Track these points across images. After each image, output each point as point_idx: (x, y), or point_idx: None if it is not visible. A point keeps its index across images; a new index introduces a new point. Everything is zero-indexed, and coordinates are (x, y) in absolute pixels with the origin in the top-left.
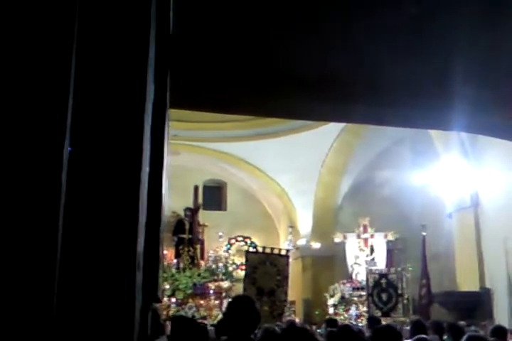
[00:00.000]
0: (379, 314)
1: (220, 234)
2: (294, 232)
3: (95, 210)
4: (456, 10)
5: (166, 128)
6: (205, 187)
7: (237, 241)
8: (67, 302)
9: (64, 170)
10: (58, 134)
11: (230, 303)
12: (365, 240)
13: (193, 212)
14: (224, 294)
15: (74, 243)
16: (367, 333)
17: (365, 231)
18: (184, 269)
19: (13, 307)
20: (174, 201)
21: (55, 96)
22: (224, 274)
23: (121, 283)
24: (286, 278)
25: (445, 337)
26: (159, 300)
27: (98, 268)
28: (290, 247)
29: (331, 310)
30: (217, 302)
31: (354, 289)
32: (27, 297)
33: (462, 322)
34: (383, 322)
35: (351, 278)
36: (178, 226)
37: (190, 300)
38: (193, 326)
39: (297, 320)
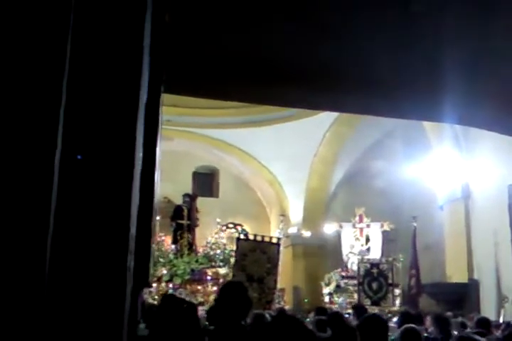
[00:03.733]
0: (369, 303)
1: (218, 220)
2: (285, 220)
3: (89, 195)
4: (446, 2)
5: (160, 114)
6: (197, 174)
7: (228, 228)
8: (59, 285)
9: (57, 156)
10: (52, 120)
11: (221, 289)
12: (361, 229)
13: (191, 198)
14: (221, 280)
15: (68, 227)
16: (353, 321)
17: (360, 220)
18: (182, 255)
19: (6, 288)
20: (165, 186)
21: (50, 83)
22: (221, 261)
23: (113, 266)
24: (276, 265)
25: (431, 328)
26: (150, 285)
27: (91, 251)
28: (281, 235)
29: (326, 299)
30: (214, 288)
31: (349, 278)
32: (19, 280)
33: (449, 313)
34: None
35: (346, 266)
36: (177, 212)
37: (188, 286)
38: (183, 305)
39: (287, 308)
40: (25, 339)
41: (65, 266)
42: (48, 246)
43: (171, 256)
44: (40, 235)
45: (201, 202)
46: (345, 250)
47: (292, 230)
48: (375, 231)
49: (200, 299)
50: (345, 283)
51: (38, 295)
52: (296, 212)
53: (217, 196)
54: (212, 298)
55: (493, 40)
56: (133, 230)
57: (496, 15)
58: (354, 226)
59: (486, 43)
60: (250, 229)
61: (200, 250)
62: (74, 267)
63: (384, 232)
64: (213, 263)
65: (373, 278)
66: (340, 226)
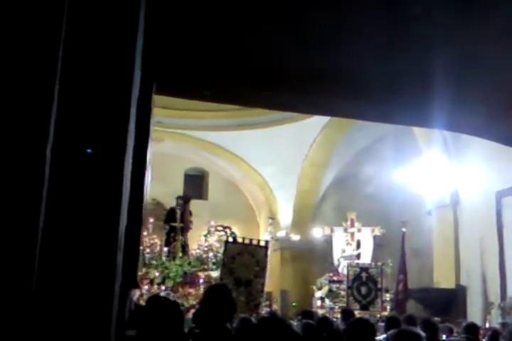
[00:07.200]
0: (357, 307)
1: (212, 223)
2: (274, 224)
3: (80, 193)
4: (433, 9)
5: (151, 116)
6: (186, 176)
7: (217, 230)
8: (48, 282)
9: (47, 157)
10: (43, 120)
11: (205, 292)
12: (352, 234)
13: (184, 200)
14: (213, 283)
15: (58, 224)
16: (341, 326)
17: (352, 225)
18: (174, 257)
19: None
20: (154, 188)
21: (42, 82)
22: (214, 263)
23: (102, 263)
24: (264, 269)
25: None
26: (138, 286)
27: (80, 248)
28: (270, 239)
29: (318, 303)
30: None
31: (340, 282)
32: (7, 277)
33: (437, 318)
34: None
35: (337, 271)
36: (170, 214)
37: (180, 289)
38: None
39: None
40: (13, 335)
41: (54, 263)
42: (38, 241)
43: (164, 258)
44: (30, 231)
45: (190, 204)
46: (336, 254)
47: (281, 234)
48: (366, 236)
49: (193, 302)
50: (337, 288)
51: (27, 291)
52: (285, 216)
53: (206, 198)
54: None
55: (481, 46)
56: (122, 228)
57: (485, 22)
58: (345, 230)
59: (474, 50)
60: (239, 232)
61: (193, 252)
62: (63, 262)
63: (374, 237)
64: (206, 266)
65: (362, 283)
66: (332, 231)
